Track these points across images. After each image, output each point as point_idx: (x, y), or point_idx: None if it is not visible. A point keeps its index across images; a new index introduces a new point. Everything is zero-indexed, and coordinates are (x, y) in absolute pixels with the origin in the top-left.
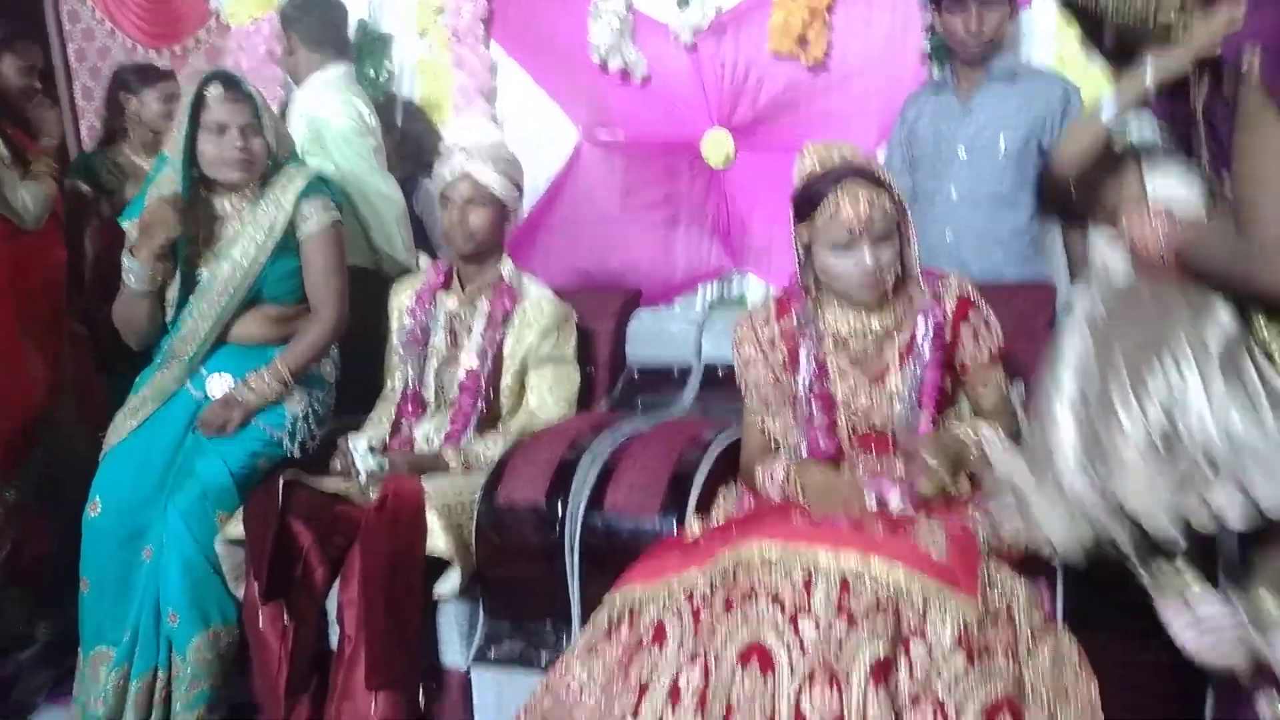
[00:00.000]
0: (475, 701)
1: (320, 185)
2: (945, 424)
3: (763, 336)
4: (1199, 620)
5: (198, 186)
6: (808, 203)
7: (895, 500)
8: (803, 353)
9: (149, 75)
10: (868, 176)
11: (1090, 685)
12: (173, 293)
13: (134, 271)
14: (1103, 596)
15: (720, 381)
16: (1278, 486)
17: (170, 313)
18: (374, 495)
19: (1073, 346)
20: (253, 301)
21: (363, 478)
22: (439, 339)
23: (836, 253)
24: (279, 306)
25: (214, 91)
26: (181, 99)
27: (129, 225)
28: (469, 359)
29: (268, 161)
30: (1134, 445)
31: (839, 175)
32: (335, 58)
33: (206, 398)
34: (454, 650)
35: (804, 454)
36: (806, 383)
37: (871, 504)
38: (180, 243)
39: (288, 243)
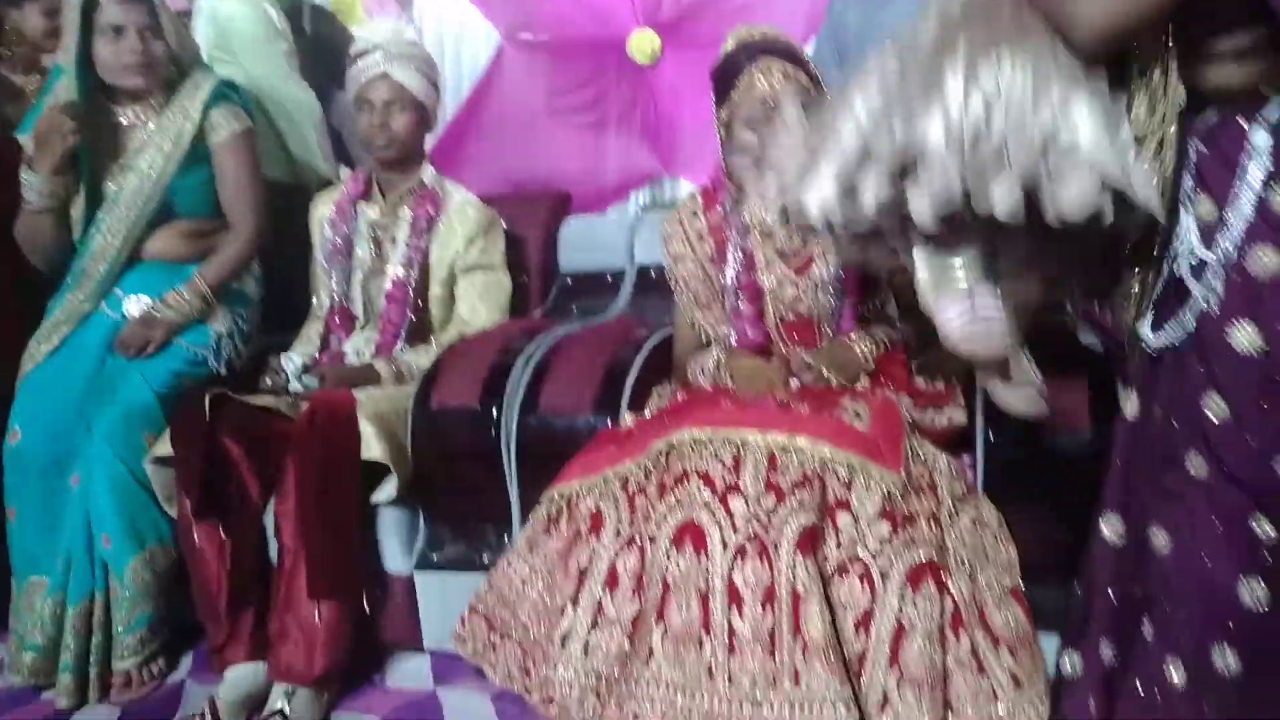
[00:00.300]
0: (420, 604)
1: (228, 92)
2: (869, 309)
3: (690, 231)
4: (972, 310)
5: (96, 95)
6: (725, 81)
7: (800, 366)
8: (729, 245)
9: None
10: (785, 54)
11: (1009, 548)
12: (78, 209)
13: (34, 186)
14: (1021, 470)
15: (654, 285)
16: (1087, 195)
17: (77, 231)
18: (304, 405)
19: (924, 31)
20: (165, 216)
21: (295, 388)
22: (363, 250)
23: (752, 129)
24: (193, 221)
25: None
26: (68, 2)
27: (25, 139)
28: (395, 269)
29: (170, 67)
30: (941, 127)
31: (755, 51)
32: None
33: (124, 319)
34: (396, 556)
35: (733, 345)
36: (734, 274)
37: (794, 385)
38: (82, 155)
39: (197, 153)
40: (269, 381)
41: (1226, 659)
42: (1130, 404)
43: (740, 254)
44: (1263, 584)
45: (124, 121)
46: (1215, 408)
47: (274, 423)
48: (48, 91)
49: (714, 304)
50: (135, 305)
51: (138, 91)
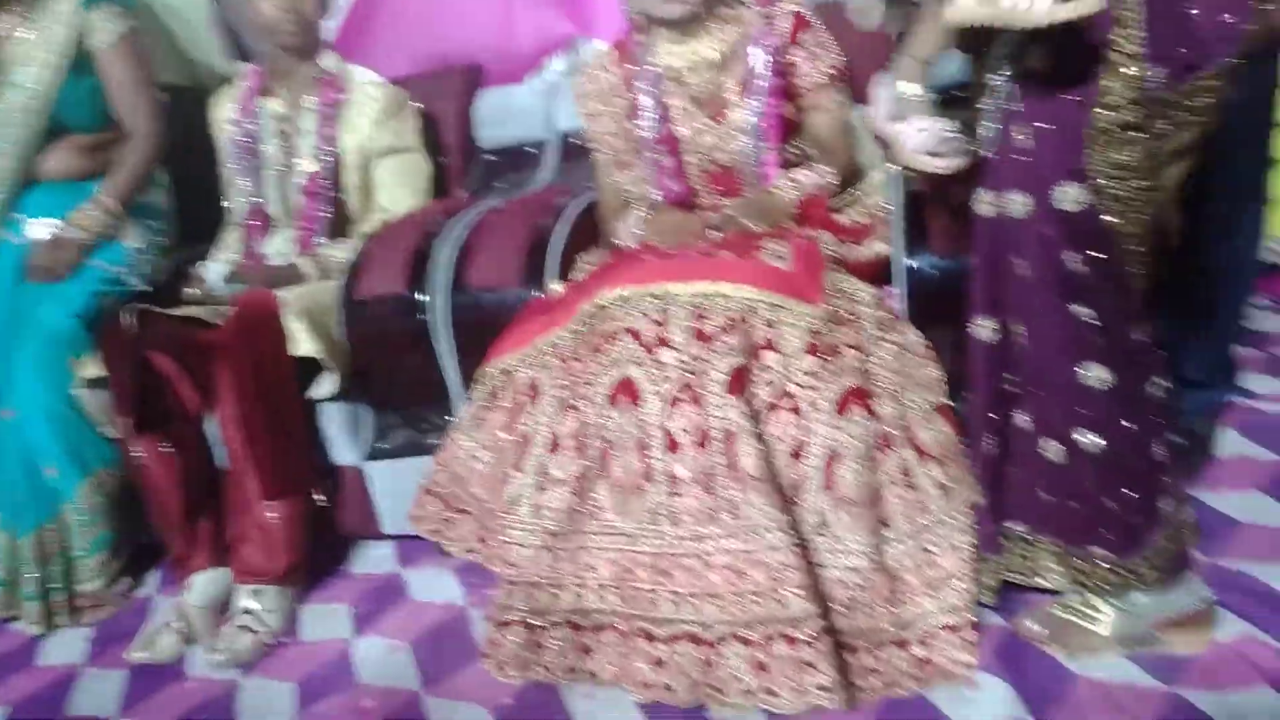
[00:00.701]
0: (374, 492)
1: None
2: (790, 160)
3: (604, 87)
4: (924, 128)
5: None
6: None
7: (715, 219)
8: (643, 96)
9: None
10: None
11: (935, 368)
12: None
13: None
14: (942, 293)
15: (578, 152)
16: None
17: None
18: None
19: None
20: (56, 131)
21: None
22: (270, 147)
23: None
24: (87, 134)
25: None
26: None
27: None
28: (306, 163)
29: None
30: None
31: None
32: None
33: (29, 244)
34: (345, 449)
35: (655, 201)
36: (650, 126)
37: (716, 236)
38: None
39: (81, 61)
40: (198, 291)
41: (1088, 438)
42: (984, 204)
43: (655, 105)
44: (1103, 366)
45: None
46: (1018, 206)
47: (202, 332)
48: None
49: (634, 161)
50: (39, 229)
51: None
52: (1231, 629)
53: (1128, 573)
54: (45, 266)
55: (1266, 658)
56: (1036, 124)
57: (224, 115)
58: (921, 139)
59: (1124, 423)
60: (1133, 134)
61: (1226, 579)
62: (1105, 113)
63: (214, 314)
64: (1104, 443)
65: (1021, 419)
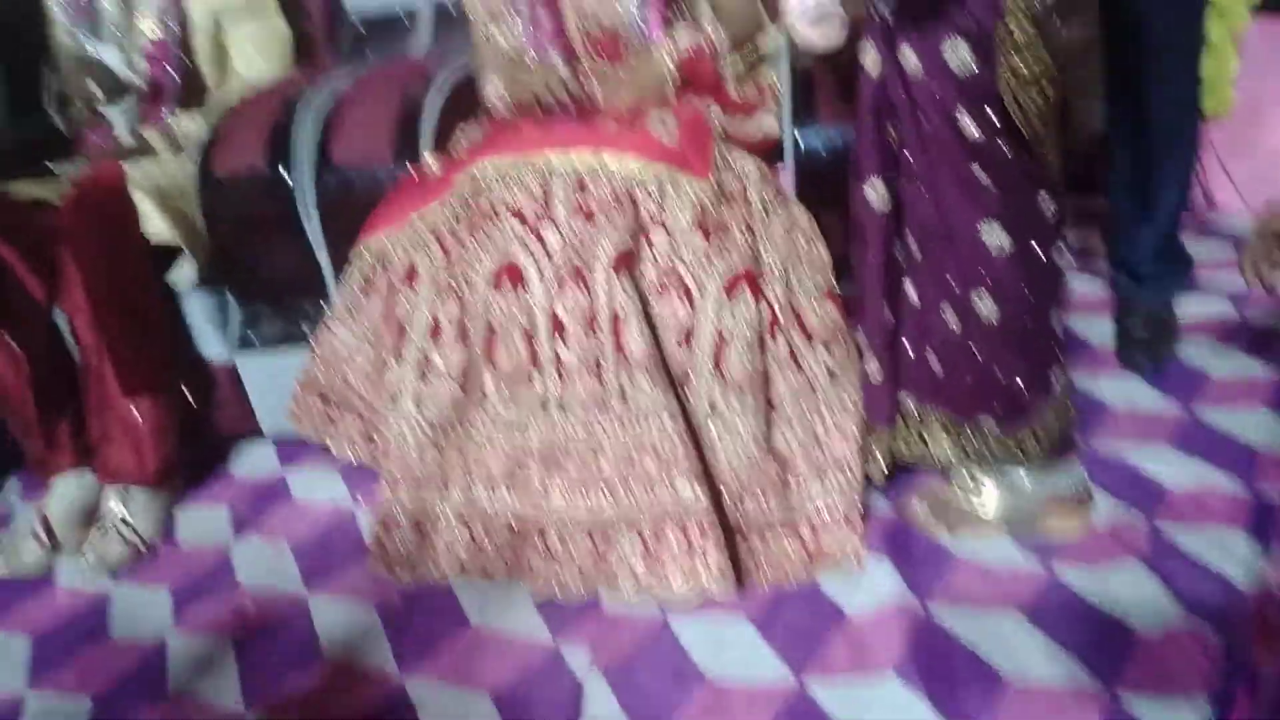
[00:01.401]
0: (248, 389)
1: None
2: (675, 22)
3: None
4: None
5: None
6: None
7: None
8: None
9: None
10: None
11: (821, 248)
12: None
13: None
14: (829, 171)
15: (455, 21)
16: None
17: None
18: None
19: None
20: None
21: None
22: (110, 9)
23: None
24: None
25: None
26: None
27: None
28: (149, 26)
29: None
30: None
31: None
32: None
33: None
34: (212, 342)
35: (532, 58)
36: None
37: (564, 71)
38: None
39: None
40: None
41: (985, 303)
42: (870, 59)
43: None
44: (1000, 228)
45: None
46: (908, 61)
47: (45, 214)
48: None
49: (512, 21)
50: None
51: None
52: (1104, 511)
53: (1015, 445)
54: None
55: (1136, 538)
56: None
57: None
58: (804, 8)
59: (1024, 289)
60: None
61: (1099, 462)
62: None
63: (56, 193)
64: (999, 309)
65: (914, 287)
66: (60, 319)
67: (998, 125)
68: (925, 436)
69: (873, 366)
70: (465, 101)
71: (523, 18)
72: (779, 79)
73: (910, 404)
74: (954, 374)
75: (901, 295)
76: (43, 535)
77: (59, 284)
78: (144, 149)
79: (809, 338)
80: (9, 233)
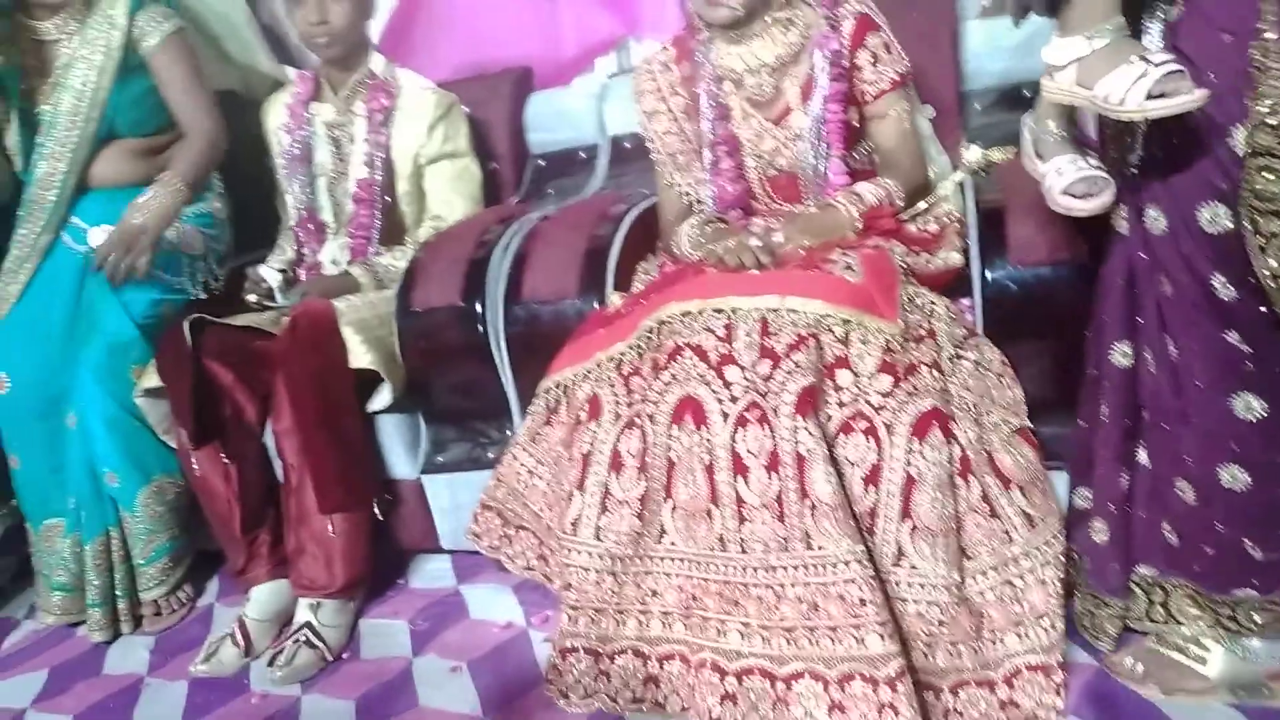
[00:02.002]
0: (432, 506)
1: None
2: (856, 160)
3: (663, 85)
4: (1063, 170)
5: (11, 14)
6: None
7: (778, 235)
8: (702, 96)
9: None
10: None
11: (1014, 388)
12: (14, 138)
13: None
14: (1019, 305)
15: (630, 155)
16: None
17: (19, 162)
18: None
19: None
20: (109, 137)
21: (279, 300)
22: (322, 154)
23: None
24: (139, 139)
25: None
26: None
27: None
28: (358, 169)
29: None
30: None
31: None
32: None
33: (92, 251)
34: (402, 462)
35: (713, 203)
36: (709, 126)
37: (756, 242)
38: (10, 78)
39: (130, 62)
40: (253, 296)
41: (1231, 473)
42: (1123, 221)
43: (714, 105)
44: (1255, 396)
45: (47, 37)
46: (1154, 222)
47: (259, 341)
48: None
49: (692, 163)
50: (103, 237)
51: (55, 3)
52: None
53: (1275, 607)
54: (111, 257)
55: None
56: (1175, 140)
57: (276, 122)
58: (1062, 180)
59: (1275, 456)
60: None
61: None
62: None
63: (273, 323)
64: (1250, 478)
65: (1147, 453)
66: (268, 438)
67: (1255, 284)
68: (1170, 609)
69: (1101, 532)
70: (642, 236)
71: (704, 160)
72: (965, 213)
73: (1148, 574)
74: (1194, 547)
75: (1135, 460)
76: (240, 640)
77: (270, 406)
78: (351, 284)
79: (1004, 481)
80: (228, 357)
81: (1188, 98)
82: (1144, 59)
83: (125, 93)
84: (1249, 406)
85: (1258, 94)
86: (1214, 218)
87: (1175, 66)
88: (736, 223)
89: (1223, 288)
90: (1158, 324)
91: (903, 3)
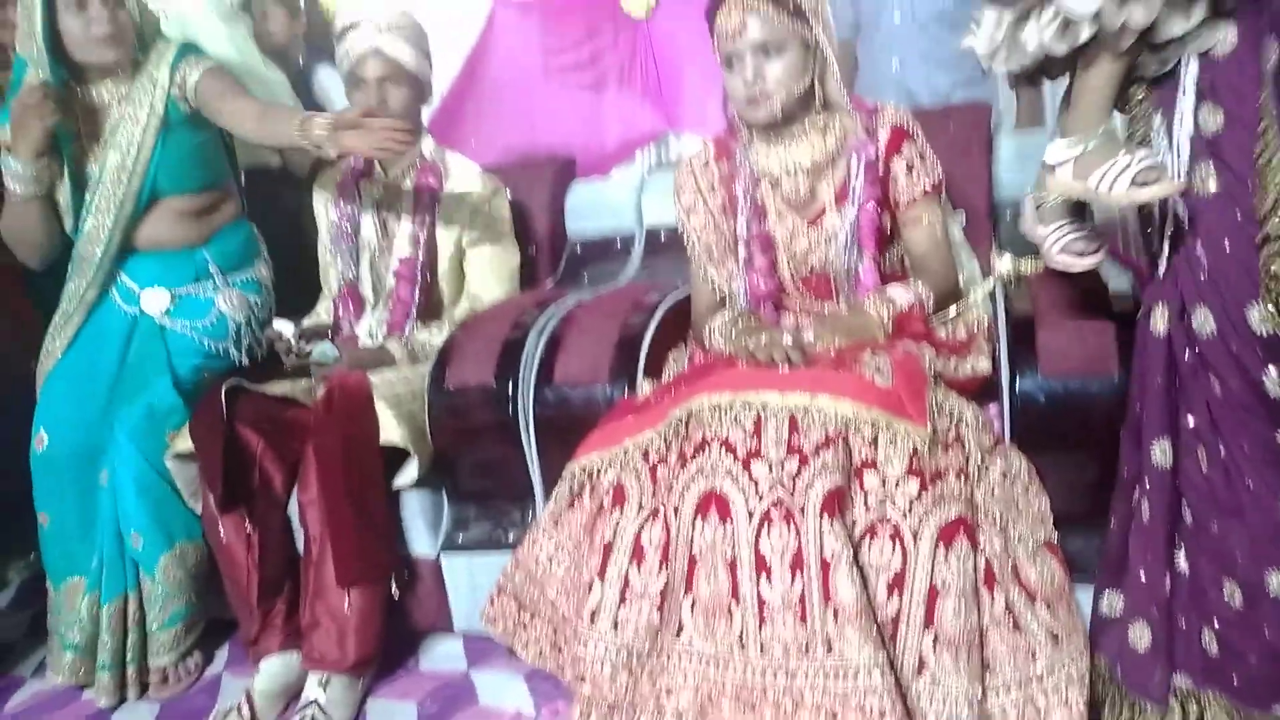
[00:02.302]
0: (448, 587)
1: (191, 49)
2: (889, 263)
3: (702, 182)
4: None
5: (66, 81)
6: (710, 18)
7: (809, 334)
8: (739, 194)
9: None
10: None
11: (1041, 499)
12: (65, 196)
13: (16, 173)
14: (1048, 415)
15: (665, 246)
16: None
17: (69, 221)
18: (320, 391)
19: None
20: (154, 196)
21: (305, 352)
22: (369, 229)
23: (726, 68)
24: (184, 198)
25: None
26: None
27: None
28: (402, 246)
29: (134, 39)
30: None
31: None
32: None
33: (142, 313)
34: (422, 539)
35: (745, 297)
36: (745, 224)
37: (788, 340)
38: (63, 139)
39: (173, 119)
40: (288, 359)
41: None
42: (1161, 321)
43: (750, 203)
44: None
45: (97, 100)
46: (1201, 323)
47: (292, 411)
48: (15, 87)
49: (727, 258)
50: (154, 301)
51: (107, 66)
52: None
53: None
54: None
55: None
56: (1216, 238)
57: (326, 197)
58: (1061, 240)
59: None
60: None
61: None
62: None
63: (306, 393)
64: None
65: (1187, 556)
66: (293, 508)
67: None
68: None
69: (1142, 637)
70: (675, 326)
71: (739, 256)
72: (995, 321)
73: (1185, 685)
74: (1235, 656)
75: (1175, 564)
76: (246, 713)
77: (298, 476)
78: (386, 358)
79: (1029, 595)
80: (260, 425)
81: (1163, 186)
82: (1128, 155)
83: (168, 149)
84: None
85: (1264, 184)
86: (1263, 317)
87: (1153, 161)
88: (768, 319)
89: (1274, 386)
90: (1209, 424)
91: (940, 114)
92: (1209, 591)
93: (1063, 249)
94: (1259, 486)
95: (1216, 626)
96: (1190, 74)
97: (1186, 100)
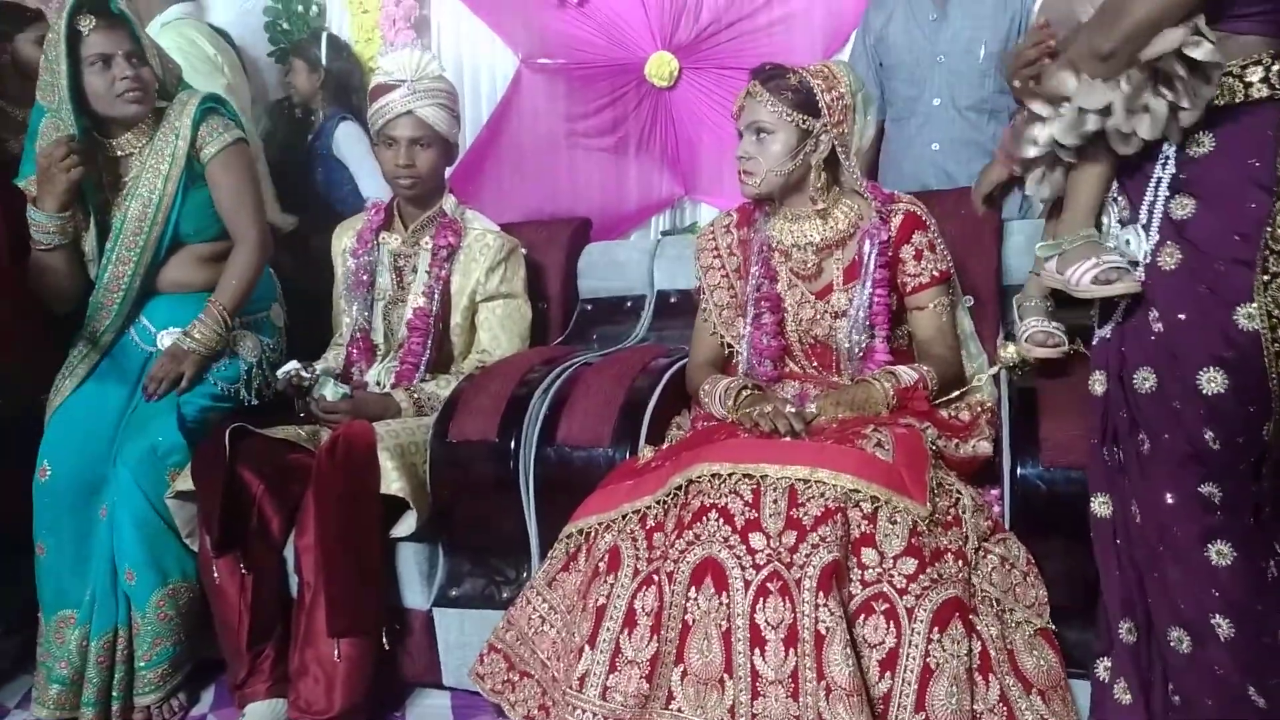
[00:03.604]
0: (439, 640)
1: (215, 104)
2: (897, 343)
3: (721, 244)
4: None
5: (89, 130)
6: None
7: (811, 406)
8: (754, 258)
9: (18, 17)
10: (769, 73)
11: (1039, 587)
12: (89, 245)
13: (41, 225)
14: (1048, 504)
15: (674, 310)
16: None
17: (93, 269)
18: (324, 437)
19: None
20: (176, 244)
21: (324, 390)
22: (384, 280)
23: (739, 148)
24: (204, 245)
25: (87, 21)
26: (49, 35)
27: (26, 184)
28: (416, 298)
29: (156, 91)
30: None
31: (754, 74)
32: None
33: (157, 352)
34: (415, 591)
35: (750, 354)
36: (755, 284)
37: (790, 410)
38: (87, 190)
39: (194, 169)
40: (301, 402)
41: (1220, 625)
42: (1099, 383)
43: (763, 265)
44: (1228, 544)
45: (119, 151)
46: (1142, 380)
47: (294, 455)
48: (33, 135)
49: (736, 319)
50: (170, 340)
51: (129, 119)
52: None
53: None
54: (164, 376)
55: None
56: (1173, 309)
57: (345, 246)
58: (1027, 332)
59: (1256, 605)
60: None
61: None
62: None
63: (310, 438)
64: (1235, 626)
65: (1148, 610)
66: (289, 552)
67: (1239, 441)
68: None
69: (1125, 694)
70: (680, 392)
71: (748, 315)
72: (999, 405)
73: None
74: (1191, 704)
75: (1144, 618)
76: None
77: (296, 521)
78: (391, 407)
79: (1025, 684)
80: (262, 468)
81: (1124, 284)
82: (1097, 256)
83: (189, 200)
84: (1220, 553)
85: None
86: (1211, 380)
87: (1118, 262)
88: (767, 376)
89: (1211, 442)
90: (1139, 477)
91: (953, 201)
92: (1164, 640)
93: (1028, 338)
94: (1186, 537)
95: (1171, 676)
96: (1169, 170)
97: (1160, 191)
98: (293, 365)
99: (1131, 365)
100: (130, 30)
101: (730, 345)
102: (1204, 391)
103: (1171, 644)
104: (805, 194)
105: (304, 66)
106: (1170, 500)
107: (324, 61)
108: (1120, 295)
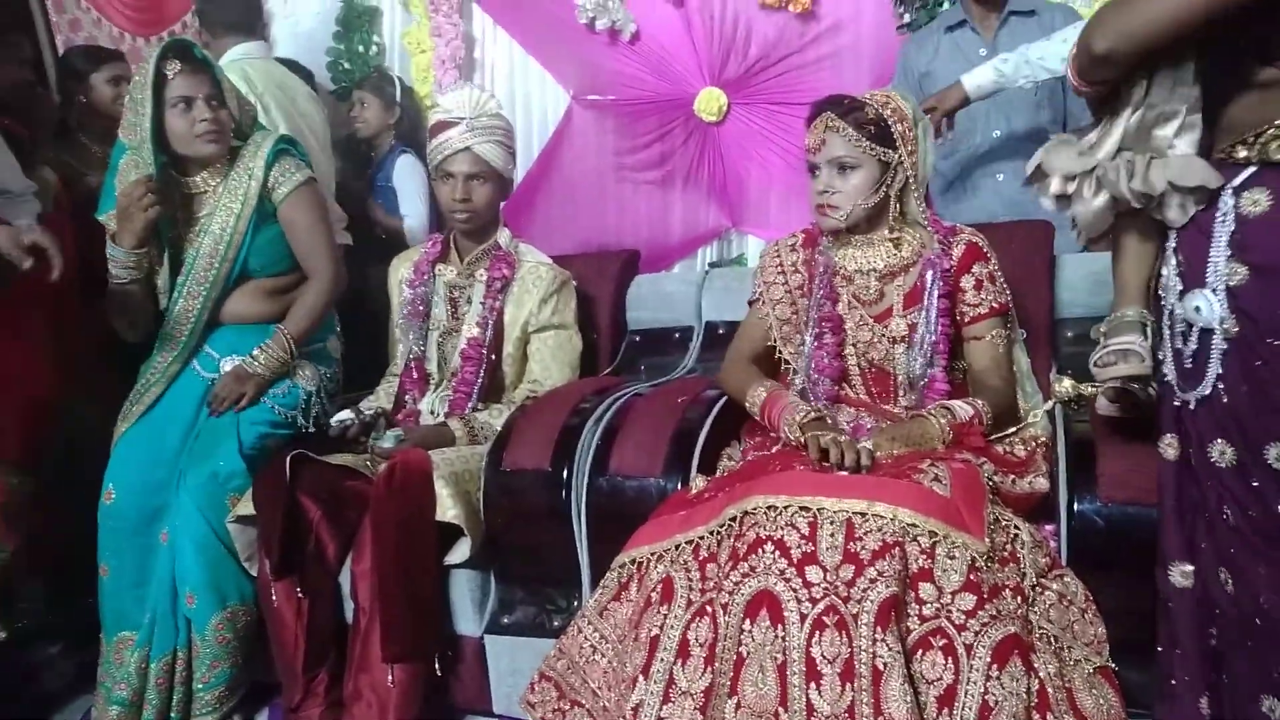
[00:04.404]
0: (490, 668)
1: (287, 146)
2: (956, 375)
3: (785, 262)
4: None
5: (167, 168)
6: (807, 129)
7: (868, 443)
8: (818, 280)
9: (95, 57)
10: (849, 106)
11: (1097, 624)
12: (163, 279)
13: (119, 261)
14: (1106, 540)
15: (722, 341)
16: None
17: (164, 301)
18: (382, 465)
19: None
20: (242, 277)
21: (384, 443)
22: (440, 310)
23: (810, 175)
24: (270, 279)
25: (173, 66)
26: (135, 78)
27: (106, 218)
28: (470, 329)
29: (232, 132)
30: None
31: (822, 105)
32: (246, 38)
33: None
34: (468, 618)
35: (811, 370)
36: (817, 303)
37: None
38: (162, 226)
39: (265, 209)
40: (371, 444)
41: None
42: (1170, 448)
43: (826, 287)
44: None
45: (195, 189)
46: (1219, 454)
47: (352, 482)
48: (114, 170)
49: (795, 335)
50: (230, 366)
51: (206, 159)
52: None
53: None
54: (227, 396)
55: None
56: (1235, 381)
57: (401, 277)
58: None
59: None
60: None
61: None
62: None
63: (367, 465)
64: None
65: (1226, 674)
66: (344, 578)
67: None
68: None
69: None
70: (731, 422)
71: (809, 334)
72: (1055, 441)
73: None
74: None
75: (1219, 685)
76: None
77: (353, 547)
78: (446, 436)
79: None
80: (320, 494)
81: (1121, 369)
82: (1120, 337)
83: (259, 237)
84: None
85: None
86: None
87: (1125, 347)
88: (825, 395)
89: None
90: (1227, 548)
91: (1005, 233)
92: (1248, 707)
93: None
94: (1272, 609)
95: None
96: (1227, 228)
97: (1221, 250)
98: (347, 414)
99: (1206, 437)
100: (212, 74)
101: (787, 361)
102: (1273, 466)
103: (1265, 711)
104: (880, 224)
105: (377, 103)
106: (1261, 574)
107: (398, 99)
108: (1118, 378)
